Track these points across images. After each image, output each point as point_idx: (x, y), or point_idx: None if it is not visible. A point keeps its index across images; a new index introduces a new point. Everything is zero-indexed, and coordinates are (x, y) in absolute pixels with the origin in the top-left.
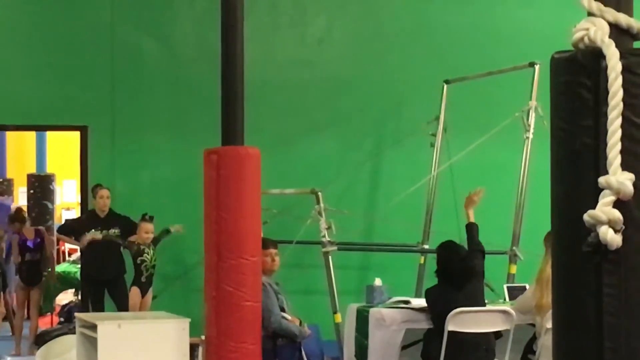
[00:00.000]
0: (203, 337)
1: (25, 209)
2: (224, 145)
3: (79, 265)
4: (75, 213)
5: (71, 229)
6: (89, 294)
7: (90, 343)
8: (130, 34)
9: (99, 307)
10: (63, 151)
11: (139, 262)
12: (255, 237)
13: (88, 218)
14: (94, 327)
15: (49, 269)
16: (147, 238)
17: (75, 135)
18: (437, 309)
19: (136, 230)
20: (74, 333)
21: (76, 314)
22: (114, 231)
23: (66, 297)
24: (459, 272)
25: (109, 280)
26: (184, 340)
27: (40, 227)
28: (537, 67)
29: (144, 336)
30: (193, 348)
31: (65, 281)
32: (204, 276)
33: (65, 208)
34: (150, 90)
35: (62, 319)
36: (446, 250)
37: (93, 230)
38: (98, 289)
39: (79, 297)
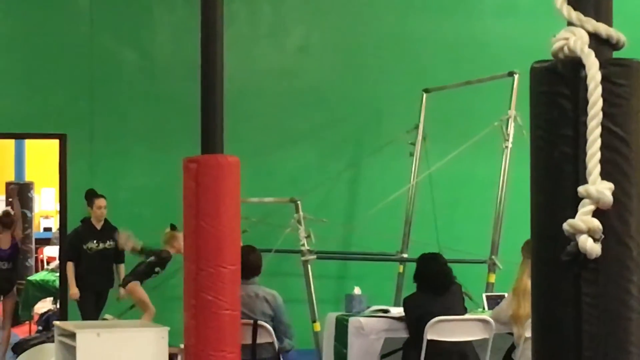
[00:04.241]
0: (182, 346)
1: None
2: (204, 154)
3: (58, 274)
4: (54, 222)
5: (76, 248)
6: (86, 302)
7: (69, 352)
8: (109, 43)
9: (94, 317)
10: (42, 159)
11: (156, 270)
12: (235, 245)
13: (85, 230)
14: (72, 336)
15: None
16: (180, 248)
17: (54, 143)
18: (415, 316)
19: None
20: (53, 342)
21: (55, 323)
22: (110, 243)
23: (45, 305)
24: (438, 279)
25: (101, 292)
26: (163, 349)
27: (15, 236)
28: (516, 76)
29: (123, 345)
30: (172, 357)
31: (44, 289)
32: (183, 285)
33: (44, 216)
34: (129, 99)
35: (40, 328)
36: (426, 257)
37: (90, 242)
38: (94, 298)
39: (58, 306)
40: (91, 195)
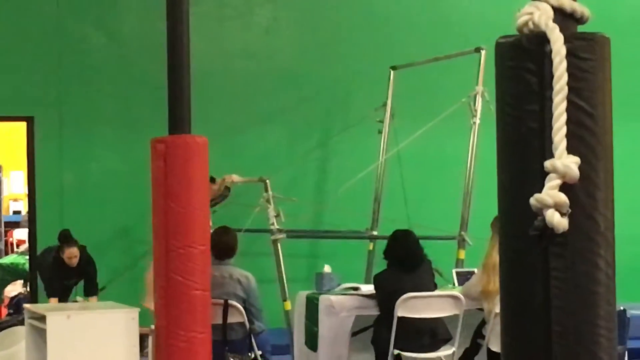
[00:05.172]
0: (153, 327)
1: None
2: (171, 135)
3: (27, 257)
4: (23, 205)
5: (57, 285)
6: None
7: (40, 334)
8: (76, 25)
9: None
10: (10, 142)
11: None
12: (204, 226)
13: (60, 268)
14: (42, 319)
15: None
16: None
17: (22, 126)
18: (386, 293)
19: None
20: (23, 324)
21: (25, 305)
22: (73, 282)
23: (15, 288)
24: (408, 256)
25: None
26: (134, 330)
27: None
28: (483, 52)
29: (93, 327)
30: (143, 338)
31: (14, 272)
32: (153, 266)
33: (12, 199)
34: (97, 81)
35: (11, 311)
36: (398, 234)
37: (68, 280)
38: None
39: (28, 289)
40: (62, 242)
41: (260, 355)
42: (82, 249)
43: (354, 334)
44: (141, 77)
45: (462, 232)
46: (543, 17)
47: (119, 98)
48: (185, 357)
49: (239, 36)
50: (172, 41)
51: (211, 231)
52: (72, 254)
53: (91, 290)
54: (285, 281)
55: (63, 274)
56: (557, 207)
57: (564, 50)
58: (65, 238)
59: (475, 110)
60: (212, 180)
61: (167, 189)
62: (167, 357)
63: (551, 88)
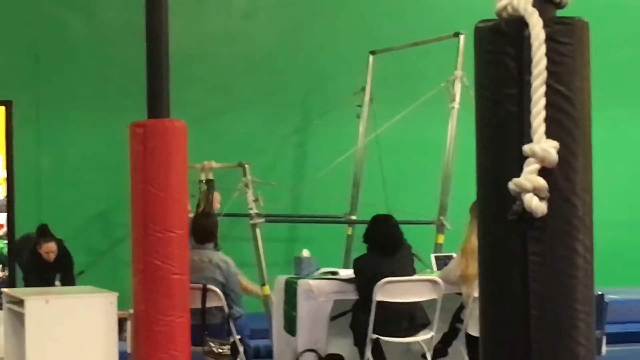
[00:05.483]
0: (131, 311)
1: None
2: (150, 119)
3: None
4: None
5: (37, 277)
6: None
7: (18, 318)
8: (53, 8)
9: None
10: None
11: None
12: (182, 210)
13: (38, 263)
14: (21, 303)
15: None
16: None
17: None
18: (365, 277)
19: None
20: (1, 309)
21: (3, 290)
22: (52, 275)
23: None
24: (388, 241)
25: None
26: (112, 315)
27: None
28: (462, 37)
29: (71, 311)
30: (121, 322)
31: None
32: (131, 250)
33: None
34: (75, 65)
35: None
36: (378, 219)
37: (47, 273)
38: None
39: (6, 273)
40: (40, 237)
41: (239, 340)
42: (59, 242)
43: (333, 318)
44: (119, 60)
45: (441, 217)
46: (522, 1)
47: (97, 82)
48: (163, 341)
49: (218, 20)
50: (150, 25)
51: (191, 216)
52: (49, 249)
53: (68, 283)
54: (264, 265)
55: (41, 268)
56: (536, 191)
57: (542, 35)
58: (43, 233)
59: (454, 95)
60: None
61: (146, 173)
62: (146, 341)
63: (530, 72)
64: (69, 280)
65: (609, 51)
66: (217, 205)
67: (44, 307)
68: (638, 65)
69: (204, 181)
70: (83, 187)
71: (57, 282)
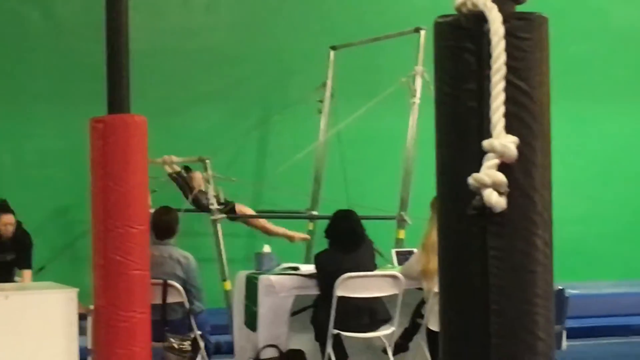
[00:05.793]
0: (91, 307)
1: None
2: (110, 114)
3: None
4: None
5: None
6: None
7: None
8: (12, 1)
9: None
10: None
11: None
12: (143, 206)
13: None
14: None
15: None
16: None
17: None
18: (326, 273)
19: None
20: None
21: None
22: (10, 257)
23: None
24: (350, 236)
25: None
26: (73, 311)
27: None
28: (422, 32)
29: (31, 307)
30: (82, 317)
31: None
32: (92, 245)
33: None
34: (34, 59)
35: None
36: (340, 214)
37: None
38: None
39: None
40: None
41: (200, 335)
42: (18, 224)
43: (294, 313)
44: (79, 55)
45: (402, 212)
46: None
47: (56, 76)
48: (124, 337)
49: (178, 15)
50: (110, 19)
51: (151, 211)
52: (8, 221)
53: (25, 262)
54: (225, 261)
55: None
56: (495, 186)
57: (502, 30)
58: (2, 206)
59: (415, 90)
60: (188, 169)
61: (106, 169)
62: (106, 337)
63: (489, 67)
64: (26, 259)
65: (569, 46)
66: (201, 184)
67: (4, 302)
68: (597, 60)
69: (174, 175)
70: (43, 182)
71: (17, 278)
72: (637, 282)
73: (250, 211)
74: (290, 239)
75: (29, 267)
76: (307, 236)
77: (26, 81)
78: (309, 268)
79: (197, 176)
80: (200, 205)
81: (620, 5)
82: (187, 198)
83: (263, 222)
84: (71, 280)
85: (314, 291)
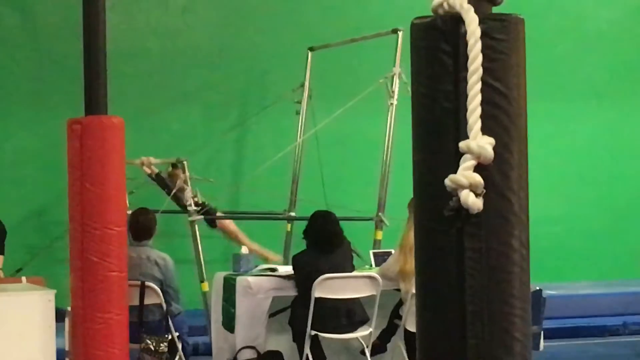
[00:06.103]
0: (69, 309)
1: None
2: (87, 115)
3: None
4: None
5: None
6: None
7: None
8: None
9: None
10: None
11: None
12: (121, 207)
13: None
14: None
15: None
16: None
17: None
18: (304, 274)
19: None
20: None
21: None
22: None
23: None
24: (328, 237)
25: None
26: (50, 312)
27: None
28: (400, 33)
29: (8, 309)
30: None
31: None
32: (69, 247)
33: None
34: (11, 60)
35: None
36: (318, 215)
37: None
38: None
39: None
40: None
41: (177, 337)
42: None
43: (272, 315)
44: (56, 56)
45: (380, 213)
46: None
47: (33, 77)
48: (101, 338)
49: (156, 15)
50: (87, 20)
51: (129, 212)
52: None
53: None
54: (202, 262)
55: None
56: (472, 187)
57: (478, 32)
58: None
59: (393, 92)
60: (175, 166)
61: (83, 170)
62: (84, 339)
63: (466, 69)
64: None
65: (546, 47)
66: (182, 183)
67: None
68: (574, 60)
69: (153, 176)
70: (20, 183)
71: None
72: (615, 283)
73: (233, 227)
74: (265, 259)
75: (1, 252)
76: (281, 258)
77: (4, 82)
78: (287, 269)
79: (180, 174)
80: (181, 205)
81: (595, 7)
82: (168, 195)
83: (242, 236)
84: (49, 282)
85: (292, 292)
